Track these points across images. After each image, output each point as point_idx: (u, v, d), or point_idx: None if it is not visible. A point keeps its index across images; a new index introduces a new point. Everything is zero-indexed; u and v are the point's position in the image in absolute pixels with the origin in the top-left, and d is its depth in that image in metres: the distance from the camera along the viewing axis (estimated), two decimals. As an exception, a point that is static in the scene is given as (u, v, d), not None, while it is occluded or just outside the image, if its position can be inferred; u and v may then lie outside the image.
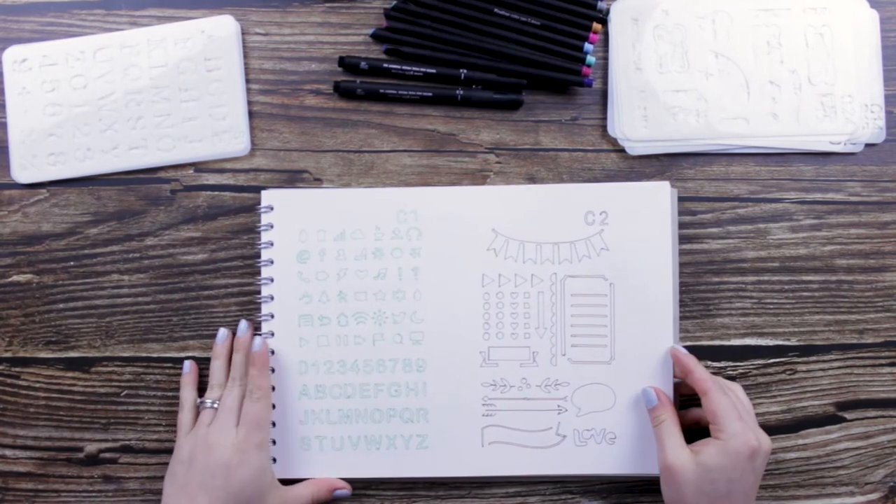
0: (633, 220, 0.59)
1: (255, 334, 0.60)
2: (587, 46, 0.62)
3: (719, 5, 0.62)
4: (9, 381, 0.61)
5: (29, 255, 0.62)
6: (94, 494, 0.61)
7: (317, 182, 0.62)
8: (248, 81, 0.62)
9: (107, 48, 0.62)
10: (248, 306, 0.61)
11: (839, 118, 0.61)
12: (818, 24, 0.62)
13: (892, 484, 0.61)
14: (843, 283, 0.62)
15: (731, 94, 0.62)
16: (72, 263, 0.62)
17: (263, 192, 0.60)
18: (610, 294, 0.59)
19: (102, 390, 0.61)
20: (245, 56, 0.62)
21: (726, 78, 0.62)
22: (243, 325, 0.60)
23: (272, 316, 0.60)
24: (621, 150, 0.62)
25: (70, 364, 0.61)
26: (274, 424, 0.59)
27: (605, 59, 0.62)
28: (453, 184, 0.62)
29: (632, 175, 0.62)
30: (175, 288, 0.61)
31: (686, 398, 0.60)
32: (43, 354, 0.62)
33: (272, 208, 0.60)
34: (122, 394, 0.61)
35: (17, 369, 0.62)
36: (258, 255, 0.61)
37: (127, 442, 0.61)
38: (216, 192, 0.62)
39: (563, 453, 0.59)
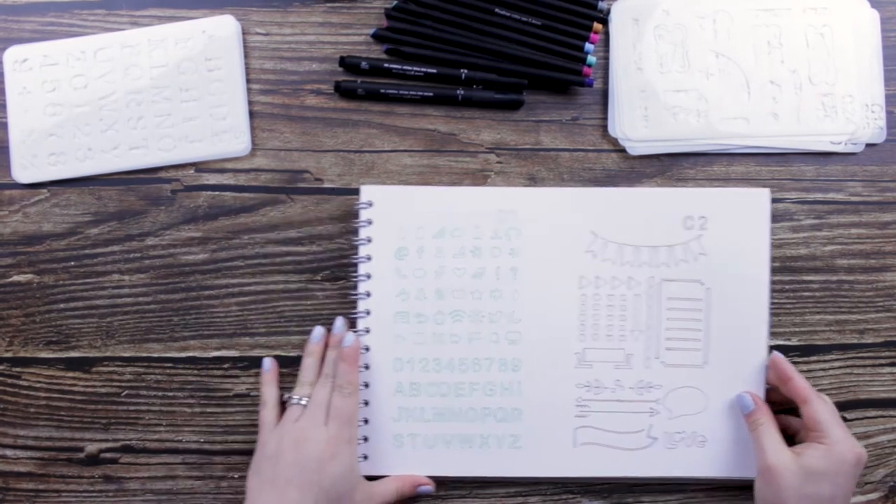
0: (732, 226, 0.59)
1: (350, 330, 0.59)
2: (588, 46, 0.62)
3: (720, 5, 0.62)
4: (9, 381, 0.61)
5: (29, 255, 0.62)
6: (94, 494, 0.61)
7: (317, 182, 0.62)
8: (248, 81, 0.62)
9: (107, 48, 0.62)
10: (249, 306, 0.61)
11: (840, 118, 0.61)
12: (819, 24, 0.62)
13: (892, 484, 0.61)
14: (843, 283, 0.62)
15: (732, 93, 0.62)
16: (72, 263, 0.62)
17: (363, 188, 0.60)
18: (706, 299, 0.59)
19: (103, 390, 0.61)
20: (246, 56, 0.62)
21: (727, 78, 0.62)
22: (339, 322, 0.60)
23: (368, 312, 0.59)
24: (622, 150, 0.62)
25: (71, 364, 0.61)
26: (367, 421, 0.59)
27: (606, 59, 0.62)
28: (453, 184, 0.62)
29: (632, 175, 0.62)
30: (176, 288, 0.61)
31: (772, 406, 0.59)
32: (43, 354, 0.61)
33: (371, 204, 0.60)
34: (123, 394, 0.61)
35: (18, 369, 0.62)
36: (258, 255, 0.61)
37: (128, 442, 0.61)
38: (217, 192, 0.62)
39: (654, 456, 0.59)
